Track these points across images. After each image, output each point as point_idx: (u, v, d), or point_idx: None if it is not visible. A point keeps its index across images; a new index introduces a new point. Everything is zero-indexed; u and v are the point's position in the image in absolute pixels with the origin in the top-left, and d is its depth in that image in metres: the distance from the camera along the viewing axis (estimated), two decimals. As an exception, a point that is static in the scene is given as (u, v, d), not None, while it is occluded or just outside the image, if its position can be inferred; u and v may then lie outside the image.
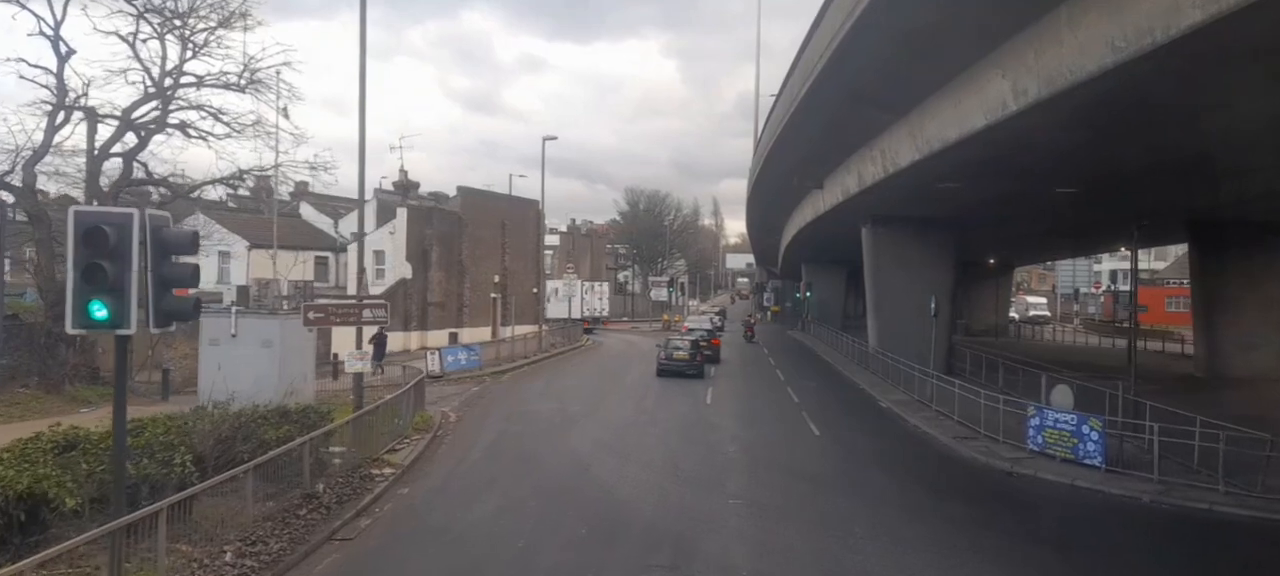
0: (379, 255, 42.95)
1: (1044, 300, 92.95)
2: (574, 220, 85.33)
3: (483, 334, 46.33)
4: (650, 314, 78.82)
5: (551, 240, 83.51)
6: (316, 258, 45.82)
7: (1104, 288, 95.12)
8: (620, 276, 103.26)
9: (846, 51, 17.91)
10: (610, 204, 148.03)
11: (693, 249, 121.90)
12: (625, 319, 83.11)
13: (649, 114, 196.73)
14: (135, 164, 25.07)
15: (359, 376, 17.56)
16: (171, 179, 25.91)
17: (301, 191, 53.31)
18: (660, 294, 69.32)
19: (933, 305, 28.52)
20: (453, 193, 49.53)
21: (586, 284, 71.75)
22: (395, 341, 40.45)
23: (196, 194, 28.28)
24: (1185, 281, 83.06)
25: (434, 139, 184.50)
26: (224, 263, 42.86)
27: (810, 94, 22.46)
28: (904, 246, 35.47)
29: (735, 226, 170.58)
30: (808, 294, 67.20)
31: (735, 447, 19.78)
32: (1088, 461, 17.85)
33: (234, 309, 21.26)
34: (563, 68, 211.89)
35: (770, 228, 61.11)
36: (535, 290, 52.53)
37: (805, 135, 28.27)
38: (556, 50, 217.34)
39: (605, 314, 78.19)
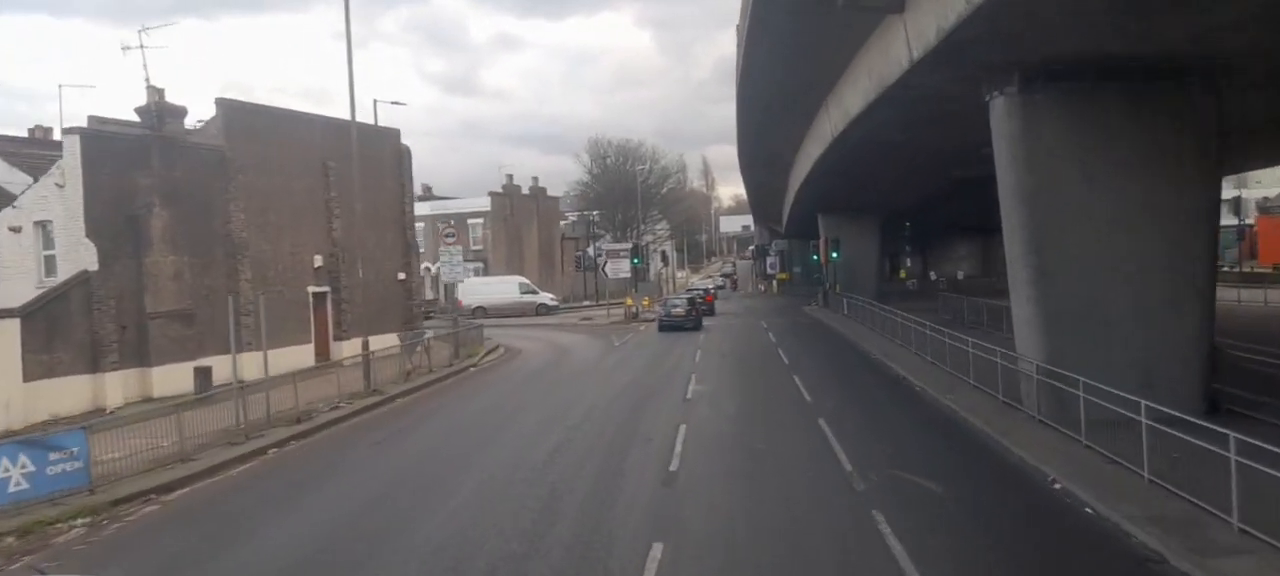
0: (44, 228, 22.78)
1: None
2: (510, 176, 64.69)
3: (295, 357, 26.38)
4: (621, 296, 58.78)
5: (481, 204, 63.35)
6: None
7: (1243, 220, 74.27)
8: (591, 250, 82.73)
9: None
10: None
11: (678, 210, 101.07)
12: (587, 302, 63.19)
13: (629, 85, 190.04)
14: None
15: None
16: None
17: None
18: (619, 268, 49.04)
19: None
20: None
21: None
22: (60, 397, 20.46)
23: None
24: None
25: (415, 123, 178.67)
26: None
27: None
28: (1108, 132, 15.59)
29: (729, 190, 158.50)
30: (833, 254, 47.14)
31: None
32: None
33: None
34: (538, 44, 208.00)
35: (773, 157, 40.88)
36: (402, 276, 32.48)
37: None
38: (530, 27, 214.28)
39: (552, 301, 58.37)
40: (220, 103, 25.50)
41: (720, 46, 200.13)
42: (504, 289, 56.39)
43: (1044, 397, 15.53)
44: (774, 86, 25.82)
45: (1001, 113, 16.25)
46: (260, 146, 26.31)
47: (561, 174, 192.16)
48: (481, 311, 54.78)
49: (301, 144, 27.84)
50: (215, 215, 24.93)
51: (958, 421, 16.89)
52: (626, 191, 76.36)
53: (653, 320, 45.90)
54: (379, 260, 31.11)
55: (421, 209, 61.47)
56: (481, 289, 56.77)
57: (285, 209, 27.21)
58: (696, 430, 16.57)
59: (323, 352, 28.30)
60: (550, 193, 76.10)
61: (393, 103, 39.78)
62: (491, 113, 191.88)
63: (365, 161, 30.46)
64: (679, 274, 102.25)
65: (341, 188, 28.96)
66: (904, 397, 20.03)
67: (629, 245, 52.57)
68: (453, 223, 33.64)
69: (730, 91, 38.29)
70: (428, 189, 71.09)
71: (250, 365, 25.29)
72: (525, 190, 66.22)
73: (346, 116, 23.53)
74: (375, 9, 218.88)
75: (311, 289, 28.22)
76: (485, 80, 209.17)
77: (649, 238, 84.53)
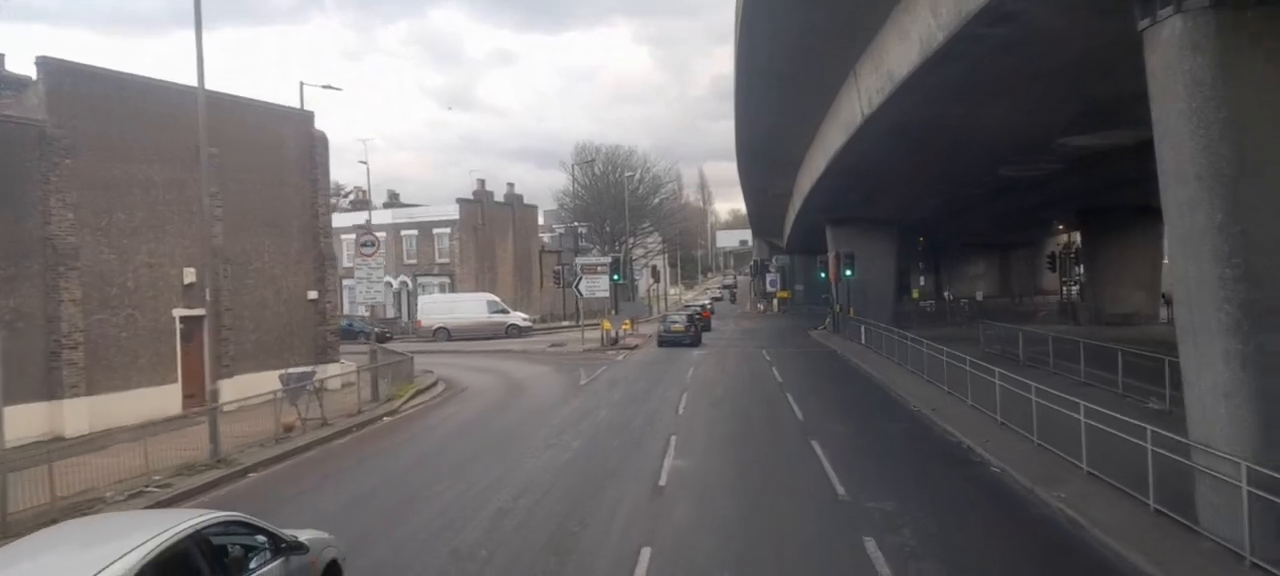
0: None
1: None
2: (482, 182, 58.12)
3: (153, 401, 19.90)
4: (602, 316, 52.12)
5: (447, 213, 56.90)
6: None
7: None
8: (577, 264, 75.75)
9: None
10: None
11: (672, 223, 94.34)
12: (567, 322, 56.67)
13: (625, 101, 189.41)
14: None
15: None
16: None
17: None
18: (596, 285, 42.58)
19: None
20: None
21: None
22: None
23: None
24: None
25: (415, 137, 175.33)
26: None
27: None
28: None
29: (726, 205, 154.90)
30: (846, 272, 40.78)
31: None
32: None
33: None
34: (535, 60, 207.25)
35: (778, 153, 34.60)
36: (313, 294, 26.04)
37: None
38: (527, 42, 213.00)
39: (525, 321, 52.03)
40: (41, 63, 18.96)
41: (717, 63, 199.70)
42: (470, 307, 49.89)
43: (1260, 523, 9.04)
44: (787, 47, 19.39)
45: (1175, 44, 9.81)
46: (102, 124, 19.81)
47: (554, 189, 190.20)
48: (444, 332, 48.30)
49: (166, 124, 21.27)
50: (29, 213, 18.42)
51: (1095, 552, 10.33)
52: (615, 202, 69.83)
53: (635, 346, 39.57)
54: (280, 275, 24.60)
55: (383, 217, 55.09)
56: (445, 307, 50.32)
57: (139, 207, 20.67)
58: (670, 560, 10.02)
59: (195, 394, 21.70)
60: (543, 208, 69.93)
61: (325, 86, 33.52)
62: (489, 128, 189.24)
63: (259, 149, 24.18)
64: (671, 290, 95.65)
65: (227, 180, 22.45)
66: (988, 493, 13.38)
67: (608, 260, 45.93)
68: (371, 230, 27.03)
69: (727, 108, 32.48)
70: (394, 195, 64.79)
71: (76, 415, 18.90)
72: (499, 197, 59.72)
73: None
74: (374, 20, 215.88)
75: (179, 312, 21.63)
76: (482, 95, 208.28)
77: (640, 251, 78.11)
